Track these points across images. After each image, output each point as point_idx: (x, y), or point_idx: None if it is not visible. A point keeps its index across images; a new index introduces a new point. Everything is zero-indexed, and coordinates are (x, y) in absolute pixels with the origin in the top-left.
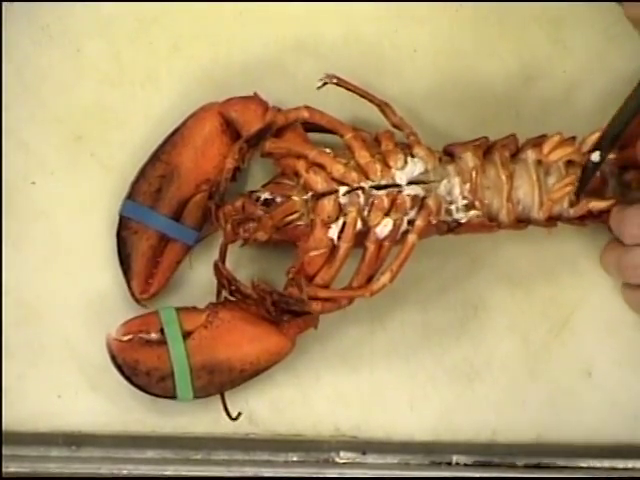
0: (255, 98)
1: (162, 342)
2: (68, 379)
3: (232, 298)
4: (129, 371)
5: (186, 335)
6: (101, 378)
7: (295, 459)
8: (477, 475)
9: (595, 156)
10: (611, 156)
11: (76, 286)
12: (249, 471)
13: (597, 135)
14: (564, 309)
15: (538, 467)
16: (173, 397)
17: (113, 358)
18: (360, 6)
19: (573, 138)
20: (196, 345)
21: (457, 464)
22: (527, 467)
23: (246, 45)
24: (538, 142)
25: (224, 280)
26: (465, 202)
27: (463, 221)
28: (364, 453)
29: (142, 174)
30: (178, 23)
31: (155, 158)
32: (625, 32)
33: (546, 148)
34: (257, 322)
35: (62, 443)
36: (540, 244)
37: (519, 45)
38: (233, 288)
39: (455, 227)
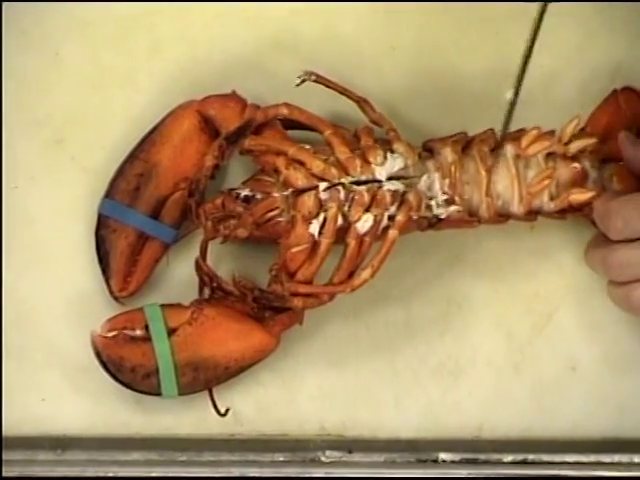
0: (233, 96)
1: (147, 339)
2: (52, 382)
3: (215, 295)
4: (114, 368)
5: (171, 332)
6: (85, 381)
7: (281, 459)
8: (463, 472)
9: (509, 94)
10: (591, 146)
11: (58, 289)
12: (235, 471)
13: (573, 124)
14: (548, 304)
15: (524, 463)
16: (158, 394)
17: (98, 355)
18: (338, 5)
19: (552, 132)
20: (181, 342)
21: (443, 461)
22: (513, 463)
23: (225, 45)
24: (516, 136)
25: (205, 277)
26: (445, 197)
27: (443, 216)
28: (350, 452)
29: (120, 172)
30: (156, 25)
31: (133, 156)
32: (603, 27)
33: (524, 142)
34: (242, 319)
35: (47, 447)
36: (523, 239)
37: (498, 41)
38: (214, 285)
39: (435, 223)
